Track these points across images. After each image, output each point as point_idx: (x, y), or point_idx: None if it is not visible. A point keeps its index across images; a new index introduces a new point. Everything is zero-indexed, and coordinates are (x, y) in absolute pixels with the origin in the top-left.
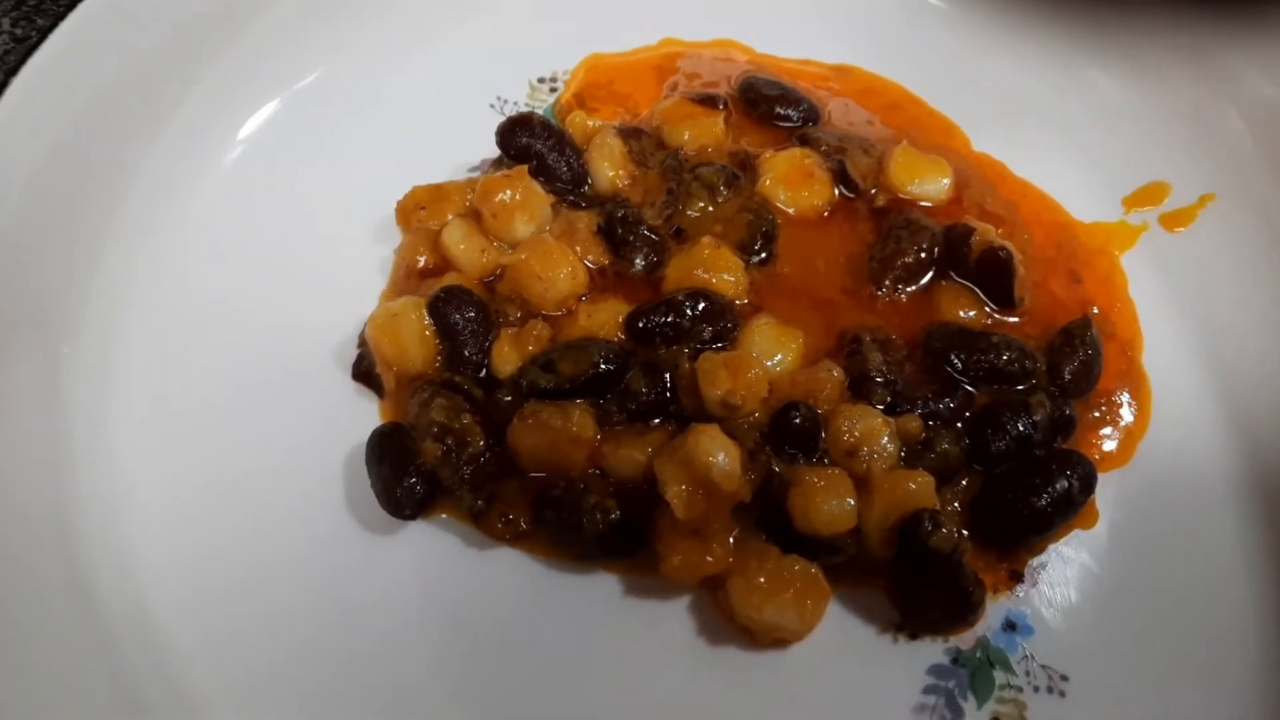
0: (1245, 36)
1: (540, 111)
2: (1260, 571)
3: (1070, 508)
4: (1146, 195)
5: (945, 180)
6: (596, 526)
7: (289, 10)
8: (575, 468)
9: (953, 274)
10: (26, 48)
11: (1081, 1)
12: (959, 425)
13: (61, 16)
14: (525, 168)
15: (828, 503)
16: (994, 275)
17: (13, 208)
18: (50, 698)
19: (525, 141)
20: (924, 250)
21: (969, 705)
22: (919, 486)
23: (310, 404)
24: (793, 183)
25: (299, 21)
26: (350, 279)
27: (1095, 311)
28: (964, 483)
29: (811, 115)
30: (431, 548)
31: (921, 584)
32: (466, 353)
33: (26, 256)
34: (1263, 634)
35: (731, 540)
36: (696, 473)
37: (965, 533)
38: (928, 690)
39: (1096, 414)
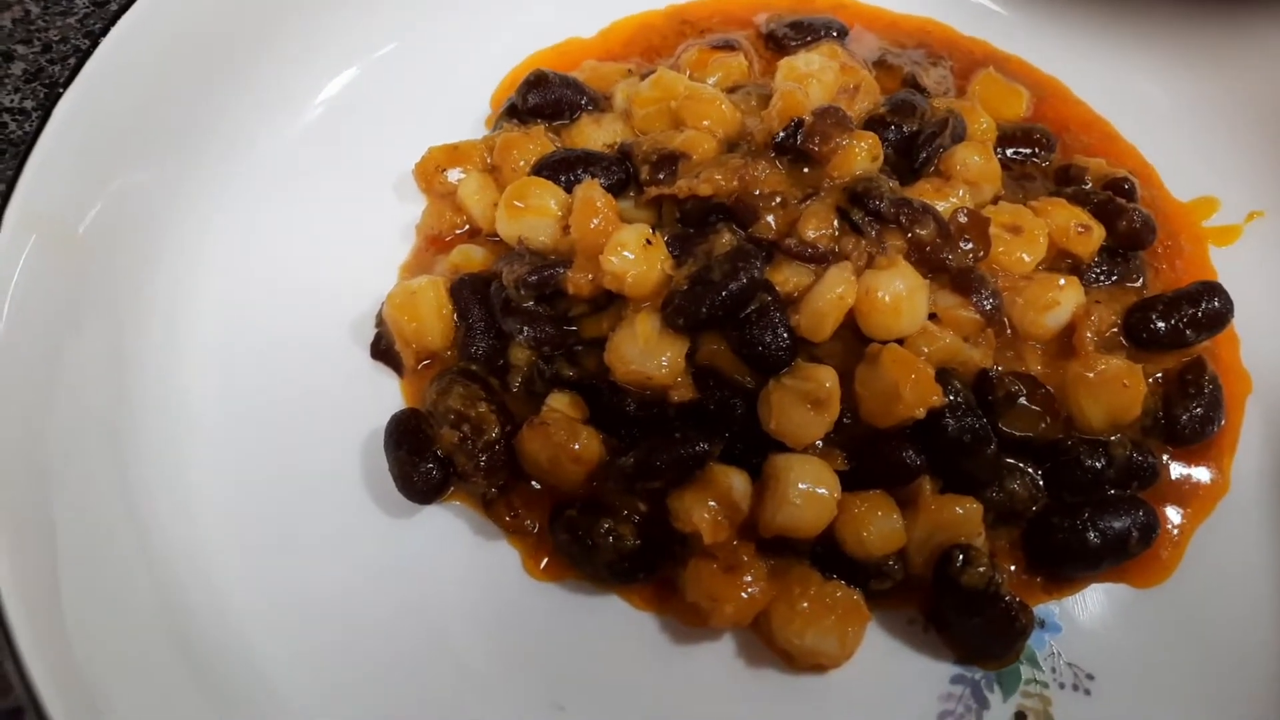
0: None
1: None
2: None
3: (1122, 552)
4: (1195, 210)
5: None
6: (609, 553)
7: None
8: (573, 486)
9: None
10: (107, 12)
11: (1138, 13)
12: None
13: None
14: (543, 127)
15: (876, 523)
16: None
17: (100, 160)
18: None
19: (542, 98)
20: None
21: (995, 697)
22: (965, 512)
23: (339, 379)
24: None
25: None
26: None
27: None
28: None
29: (840, 30)
30: (450, 529)
31: (963, 616)
32: (481, 342)
33: (108, 212)
34: None
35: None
36: (716, 495)
37: (1011, 566)
38: (955, 680)
39: None
